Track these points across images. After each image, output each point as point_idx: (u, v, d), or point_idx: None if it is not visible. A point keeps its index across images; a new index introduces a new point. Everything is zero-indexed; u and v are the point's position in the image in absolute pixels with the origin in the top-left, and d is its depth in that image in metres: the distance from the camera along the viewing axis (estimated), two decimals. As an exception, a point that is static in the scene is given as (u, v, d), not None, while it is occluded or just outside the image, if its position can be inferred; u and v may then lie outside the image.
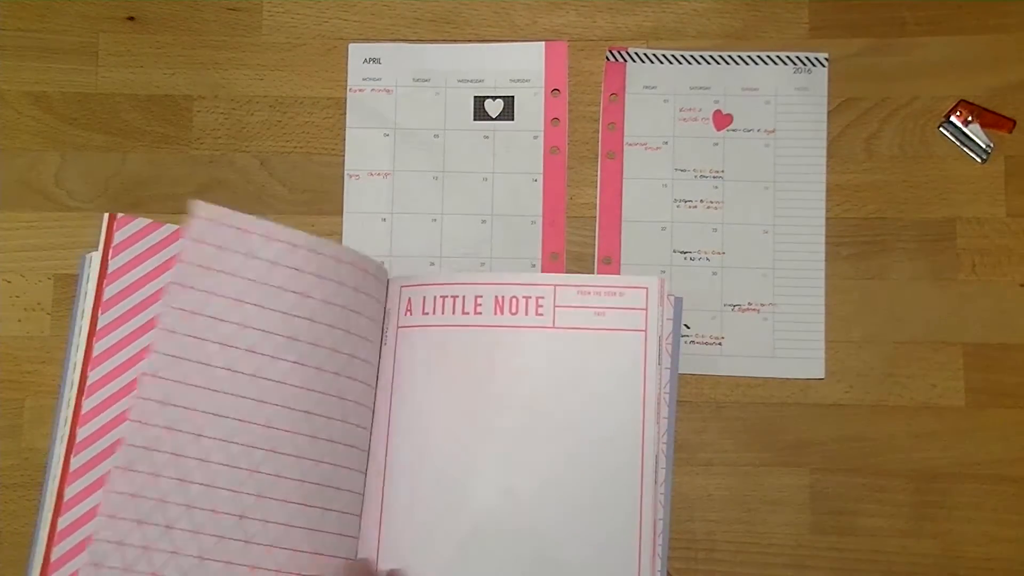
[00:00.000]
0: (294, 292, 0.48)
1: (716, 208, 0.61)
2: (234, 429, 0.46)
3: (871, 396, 0.59)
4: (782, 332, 0.59)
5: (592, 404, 0.50)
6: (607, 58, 0.62)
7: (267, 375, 0.47)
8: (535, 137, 0.62)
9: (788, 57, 0.61)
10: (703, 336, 0.60)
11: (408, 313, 0.52)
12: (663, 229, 0.61)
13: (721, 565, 0.58)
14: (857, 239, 0.60)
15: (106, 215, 0.48)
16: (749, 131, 0.61)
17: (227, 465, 0.46)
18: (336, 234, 0.61)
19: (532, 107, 0.62)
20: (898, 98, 0.61)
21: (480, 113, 0.62)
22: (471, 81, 0.62)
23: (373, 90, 0.62)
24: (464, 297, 0.51)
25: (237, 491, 0.46)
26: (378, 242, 0.61)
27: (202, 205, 0.48)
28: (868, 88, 0.61)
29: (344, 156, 0.62)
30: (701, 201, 0.61)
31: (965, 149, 0.60)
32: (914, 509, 0.58)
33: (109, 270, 0.47)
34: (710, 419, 0.59)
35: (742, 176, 0.61)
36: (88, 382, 0.46)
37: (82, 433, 0.46)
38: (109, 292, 0.47)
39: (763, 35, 0.62)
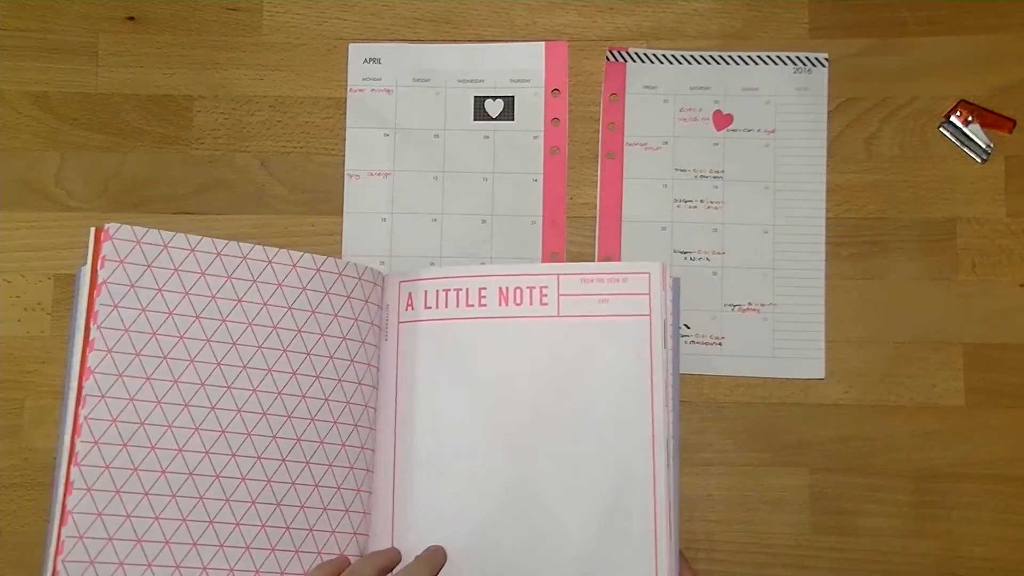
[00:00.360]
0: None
1: (716, 208, 0.61)
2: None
3: (871, 396, 0.59)
4: (782, 332, 0.59)
5: (600, 391, 0.50)
6: (607, 58, 0.62)
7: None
8: (535, 137, 0.62)
9: (788, 57, 0.61)
10: (703, 336, 0.60)
11: (409, 308, 0.52)
12: (663, 229, 0.61)
13: (721, 565, 0.58)
14: (857, 239, 0.60)
15: (92, 229, 0.48)
16: (749, 131, 0.61)
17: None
18: (336, 234, 0.61)
19: (532, 107, 0.62)
20: (898, 98, 0.61)
21: (480, 113, 0.62)
22: (471, 81, 0.62)
23: (373, 90, 0.62)
24: (467, 290, 0.52)
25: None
26: (378, 242, 0.61)
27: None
28: (868, 88, 0.61)
29: (344, 156, 0.62)
30: (701, 201, 0.61)
31: (965, 149, 0.60)
32: (914, 509, 0.58)
33: (99, 281, 0.47)
34: (710, 419, 0.59)
35: (742, 176, 0.61)
36: (84, 393, 0.46)
37: (80, 445, 0.45)
38: (101, 302, 0.47)
39: (763, 35, 0.62)
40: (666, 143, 0.61)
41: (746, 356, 0.59)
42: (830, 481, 0.58)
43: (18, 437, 0.59)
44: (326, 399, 0.50)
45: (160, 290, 0.48)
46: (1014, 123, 0.60)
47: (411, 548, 0.49)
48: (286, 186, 0.62)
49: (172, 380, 0.47)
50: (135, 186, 0.61)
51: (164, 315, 0.47)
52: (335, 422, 0.50)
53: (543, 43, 0.62)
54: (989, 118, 0.60)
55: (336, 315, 0.51)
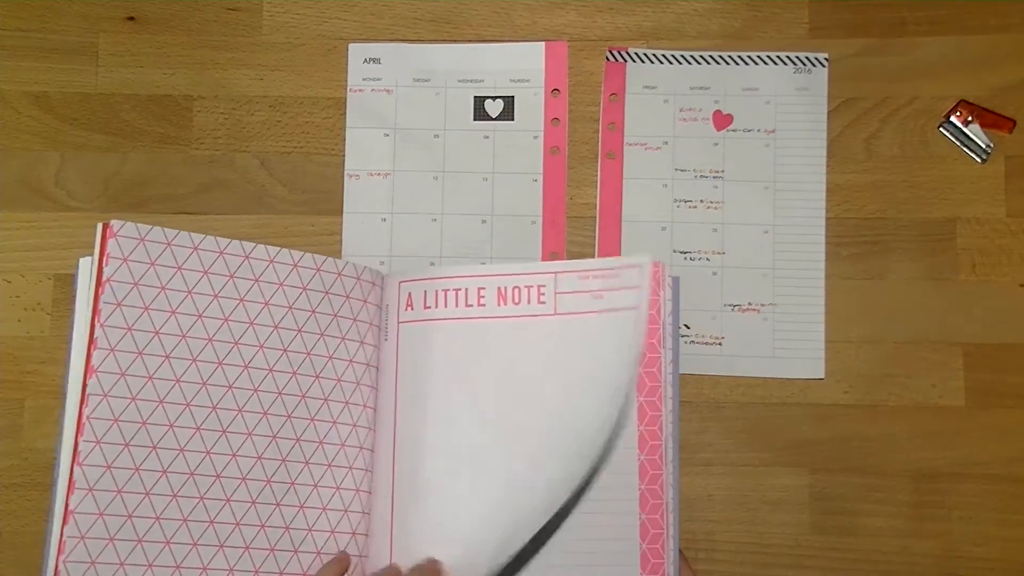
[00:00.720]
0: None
1: (716, 208, 0.61)
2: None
3: (871, 396, 0.59)
4: (782, 332, 0.59)
5: (597, 387, 0.50)
6: (607, 58, 0.62)
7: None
8: (535, 137, 0.62)
9: (788, 57, 0.61)
10: (703, 336, 0.60)
11: (409, 308, 0.52)
12: (663, 229, 0.61)
13: (721, 565, 0.58)
14: (857, 239, 0.60)
15: (100, 224, 0.47)
16: (749, 131, 0.61)
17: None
18: (336, 234, 0.61)
19: (532, 107, 0.62)
20: (898, 98, 0.61)
21: (480, 113, 0.62)
22: (471, 81, 0.62)
23: (373, 90, 0.62)
24: (467, 290, 0.52)
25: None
26: (378, 242, 0.61)
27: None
28: (868, 88, 0.61)
29: (344, 156, 0.62)
30: (701, 201, 0.61)
31: (965, 149, 0.60)
32: (914, 509, 0.58)
33: (104, 278, 0.47)
34: (710, 419, 0.59)
35: (742, 176, 0.61)
36: (87, 391, 0.46)
37: (83, 444, 0.45)
38: (104, 300, 0.47)
39: (763, 35, 0.62)
40: (666, 143, 0.61)
41: (746, 356, 0.59)
42: (830, 481, 0.58)
43: (18, 437, 0.59)
44: (325, 399, 0.50)
45: (163, 288, 0.48)
46: (1014, 123, 0.60)
47: (410, 548, 0.49)
48: (286, 186, 0.62)
49: (174, 379, 0.47)
50: (135, 186, 0.61)
51: (167, 313, 0.47)
52: (334, 422, 0.50)
53: (543, 43, 0.62)
54: (989, 118, 0.60)
55: (336, 315, 0.51)
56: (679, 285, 0.51)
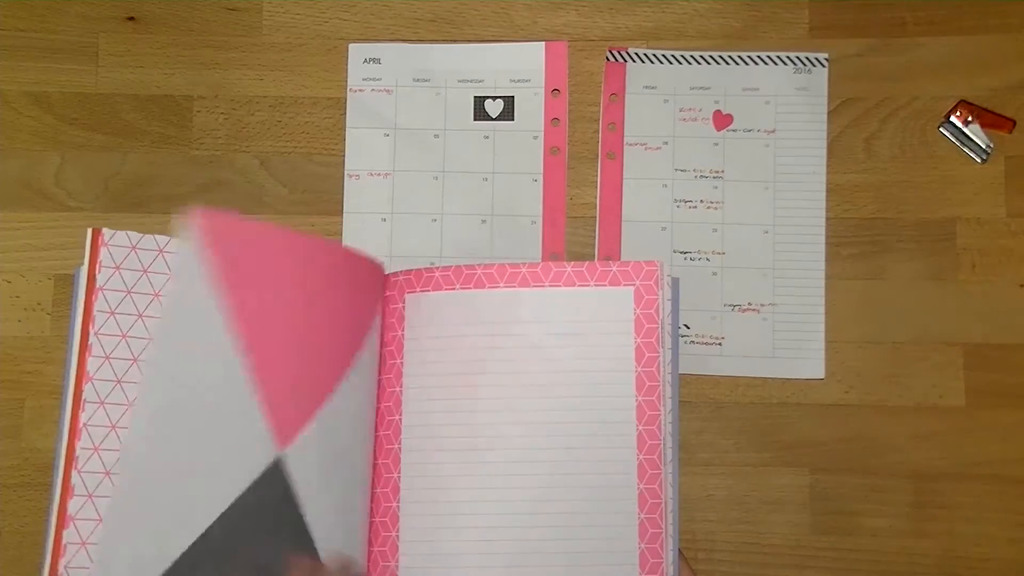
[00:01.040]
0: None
1: (716, 208, 0.61)
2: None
3: (871, 396, 0.59)
4: (782, 332, 0.59)
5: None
6: (607, 58, 0.62)
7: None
8: (535, 137, 0.62)
9: (788, 57, 0.61)
10: (703, 336, 0.60)
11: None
12: (663, 229, 0.61)
13: (721, 565, 0.58)
14: (857, 239, 0.60)
15: (89, 230, 0.47)
16: (749, 131, 0.61)
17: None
18: (336, 234, 0.61)
19: (532, 107, 0.62)
20: (898, 98, 0.61)
21: (480, 113, 0.62)
22: (471, 81, 0.62)
23: (373, 90, 0.62)
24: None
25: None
26: (378, 242, 0.61)
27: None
28: (868, 88, 0.61)
29: (344, 156, 0.62)
30: (701, 201, 0.61)
31: (965, 149, 0.60)
32: (914, 509, 0.58)
33: (96, 285, 0.47)
34: (710, 419, 0.59)
35: (742, 176, 0.61)
36: (83, 398, 0.46)
37: (80, 449, 0.45)
38: (98, 308, 0.46)
39: (763, 35, 0.62)
40: (666, 143, 0.61)
41: (746, 356, 0.59)
42: (830, 481, 0.58)
43: (18, 437, 0.59)
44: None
45: (156, 295, 0.47)
46: (1014, 123, 0.60)
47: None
48: (286, 186, 0.62)
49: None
50: (135, 186, 0.61)
51: None
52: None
53: (543, 43, 0.62)
54: (989, 118, 0.60)
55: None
56: (679, 285, 0.51)
